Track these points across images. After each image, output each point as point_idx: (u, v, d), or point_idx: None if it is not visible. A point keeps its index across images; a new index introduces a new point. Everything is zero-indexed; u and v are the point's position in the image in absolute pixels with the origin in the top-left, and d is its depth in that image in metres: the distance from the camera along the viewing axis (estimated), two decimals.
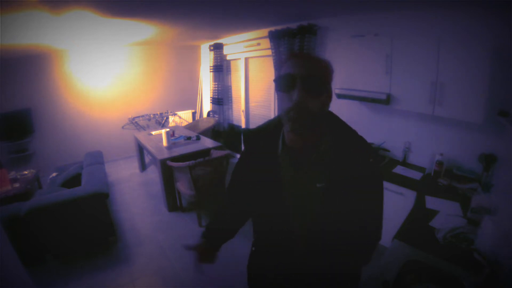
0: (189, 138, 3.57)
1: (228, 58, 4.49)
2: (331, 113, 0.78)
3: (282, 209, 0.76)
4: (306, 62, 0.69)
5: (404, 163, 2.36)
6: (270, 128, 0.81)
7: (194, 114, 5.62)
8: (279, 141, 0.77)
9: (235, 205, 0.95)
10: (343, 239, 0.73)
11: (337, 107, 2.79)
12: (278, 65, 0.81)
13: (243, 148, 0.88)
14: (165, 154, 3.04)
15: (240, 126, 4.54)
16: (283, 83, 0.69)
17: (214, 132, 4.59)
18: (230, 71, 4.57)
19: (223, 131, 4.71)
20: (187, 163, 2.57)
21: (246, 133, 0.85)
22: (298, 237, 0.76)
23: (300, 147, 0.74)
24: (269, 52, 3.29)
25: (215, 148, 3.20)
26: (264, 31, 3.33)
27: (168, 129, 3.49)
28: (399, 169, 2.23)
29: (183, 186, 2.81)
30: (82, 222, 2.28)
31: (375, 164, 0.78)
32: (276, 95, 0.77)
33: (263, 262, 0.89)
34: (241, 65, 4.20)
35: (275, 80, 0.72)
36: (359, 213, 0.73)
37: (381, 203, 0.80)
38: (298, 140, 0.73)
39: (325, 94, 0.71)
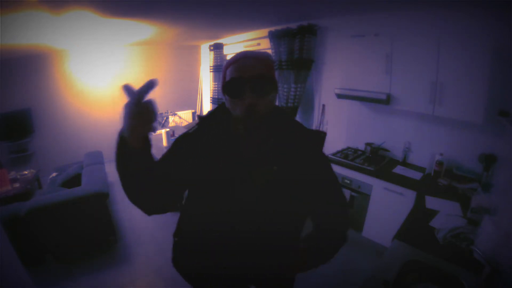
0: None
1: (228, 58, 4.49)
2: (276, 107, 0.80)
3: (229, 203, 0.74)
4: (250, 62, 0.69)
5: (404, 163, 2.36)
6: (219, 117, 0.80)
7: (194, 114, 5.61)
8: (229, 132, 0.77)
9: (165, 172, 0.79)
10: (287, 237, 0.75)
11: (337, 107, 2.81)
12: (223, 69, 0.74)
13: (190, 131, 0.83)
14: None
15: None
16: (232, 89, 0.68)
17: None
18: None
19: None
20: None
21: (201, 117, 0.83)
22: (243, 235, 0.75)
23: (250, 142, 0.75)
24: (269, 52, 3.29)
25: None
26: (264, 31, 3.33)
27: (168, 129, 3.49)
28: (399, 169, 2.24)
29: None
30: (82, 222, 2.28)
31: (319, 141, 0.80)
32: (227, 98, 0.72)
33: (203, 264, 0.81)
34: None
35: (223, 86, 0.71)
36: (310, 206, 0.75)
37: (338, 194, 0.81)
38: (249, 136, 0.75)
39: (273, 91, 0.71)
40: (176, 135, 3.68)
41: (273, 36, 3.11)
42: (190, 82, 5.45)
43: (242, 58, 0.70)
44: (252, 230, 0.74)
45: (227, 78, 0.70)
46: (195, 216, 0.84)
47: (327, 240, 0.78)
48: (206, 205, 0.77)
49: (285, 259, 0.75)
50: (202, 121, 0.82)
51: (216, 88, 4.66)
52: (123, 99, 0.62)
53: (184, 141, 0.82)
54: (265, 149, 0.74)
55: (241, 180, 0.73)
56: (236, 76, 0.68)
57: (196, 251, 0.82)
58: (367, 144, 2.55)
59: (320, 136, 0.79)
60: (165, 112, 4.98)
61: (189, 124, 4.86)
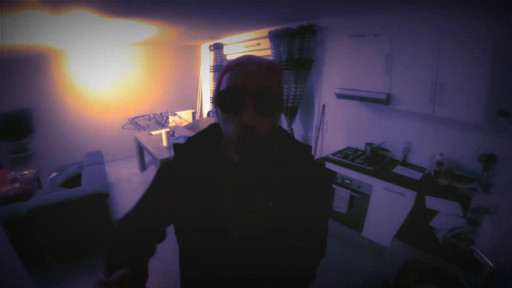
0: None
1: (228, 58, 4.49)
2: (280, 128, 0.66)
3: (222, 229, 0.61)
4: (256, 69, 0.54)
5: (404, 163, 2.36)
6: (206, 141, 0.66)
7: (194, 114, 5.62)
8: (220, 156, 0.62)
9: (148, 222, 0.71)
10: (285, 258, 0.61)
11: (337, 107, 2.81)
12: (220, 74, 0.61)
13: (170, 160, 0.70)
14: (165, 154, 3.04)
15: None
16: (228, 101, 0.53)
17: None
18: None
19: None
20: None
21: (177, 146, 0.68)
22: (237, 258, 0.62)
23: (245, 167, 0.59)
24: (269, 52, 3.29)
25: None
26: (264, 31, 3.33)
27: (168, 129, 3.49)
28: (399, 169, 2.24)
29: None
30: (82, 222, 2.28)
31: (326, 178, 0.67)
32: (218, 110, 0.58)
33: (195, 265, 0.72)
34: None
35: (215, 97, 0.56)
36: (304, 232, 0.62)
37: (326, 224, 0.70)
38: (244, 162, 0.58)
39: (279, 110, 0.57)
40: (176, 135, 3.68)
41: (273, 36, 3.11)
42: (190, 82, 5.45)
43: (246, 63, 0.55)
44: (249, 267, 0.62)
45: (223, 86, 0.55)
46: (187, 256, 0.73)
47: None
48: (196, 246, 0.66)
49: None
50: (178, 149, 0.67)
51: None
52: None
53: (163, 177, 0.69)
54: (261, 180, 0.59)
55: (230, 216, 0.60)
56: (235, 85, 0.52)
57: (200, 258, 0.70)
58: (367, 144, 2.55)
59: (328, 178, 0.67)
60: (165, 112, 4.99)
61: (189, 124, 4.87)
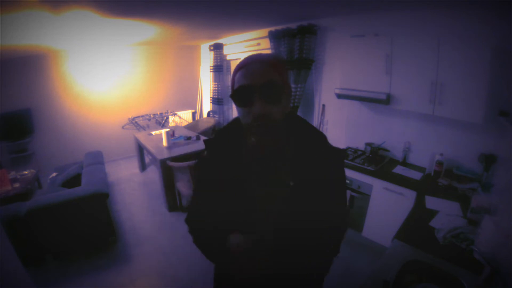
0: (189, 138, 3.57)
1: (228, 58, 4.49)
2: (292, 112, 0.76)
3: (248, 210, 0.72)
4: (259, 67, 0.64)
5: (404, 163, 2.36)
6: (230, 133, 0.78)
7: (194, 114, 5.62)
8: (242, 144, 0.74)
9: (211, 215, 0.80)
10: (309, 238, 0.72)
11: (337, 107, 2.81)
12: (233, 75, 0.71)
13: (205, 155, 0.81)
14: (165, 154, 3.04)
15: None
16: (240, 98, 0.65)
17: (214, 132, 4.59)
18: (230, 71, 4.57)
19: None
20: (187, 163, 2.57)
21: (207, 141, 0.80)
22: (264, 237, 0.72)
23: (265, 151, 0.71)
24: (269, 52, 3.29)
25: None
26: (264, 31, 3.33)
27: (168, 129, 3.49)
28: (399, 169, 2.24)
29: (183, 186, 2.81)
30: (82, 222, 2.28)
31: (339, 161, 0.77)
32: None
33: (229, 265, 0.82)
34: None
35: (232, 95, 0.67)
36: (325, 209, 0.72)
37: (345, 198, 0.83)
38: (263, 146, 0.71)
39: (286, 97, 0.68)
40: (176, 135, 3.68)
41: (273, 36, 3.11)
42: (190, 82, 5.45)
43: (250, 64, 0.65)
44: (278, 239, 0.71)
45: (235, 86, 0.66)
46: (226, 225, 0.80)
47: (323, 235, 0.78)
48: (228, 221, 0.75)
49: (312, 263, 0.75)
50: (209, 144, 0.79)
51: (216, 88, 4.66)
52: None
53: (205, 170, 0.80)
54: (281, 161, 0.71)
55: (256, 191, 0.71)
56: (244, 84, 0.63)
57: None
58: (367, 144, 2.55)
59: (341, 156, 0.77)
60: (165, 112, 4.99)
61: (189, 124, 4.87)
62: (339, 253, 0.85)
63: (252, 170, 0.72)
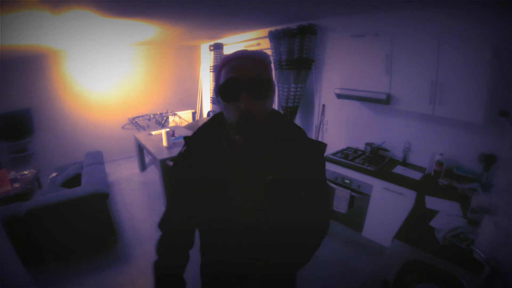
0: None
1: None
2: (274, 110, 0.77)
3: (229, 207, 0.72)
4: (247, 62, 0.63)
5: (404, 163, 2.36)
6: (210, 129, 0.77)
7: (194, 114, 5.62)
8: (223, 140, 0.74)
9: (183, 219, 0.82)
10: (290, 236, 0.73)
11: (337, 107, 2.81)
12: (216, 71, 0.71)
13: (182, 152, 0.79)
14: (165, 154, 3.04)
15: None
16: (227, 92, 0.63)
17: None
18: None
19: None
20: None
21: (186, 138, 0.79)
22: (246, 235, 0.73)
23: (246, 147, 0.71)
24: (269, 52, 3.29)
25: None
26: (264, 31, 3.33)
27: (168, 129, 3.49)
28: (399, 169, 2.24)
29: None
30: (82, 222, 2.28)
31: (318, 153, 0.77)
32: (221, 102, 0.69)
33: (213, 264, 0.85)
34: None
35: (216, 89, 0.67)
36: (306, 208, 0.73)
37: (326, 199, 0.84)
38: (246, 143, 0.71)
39: (271, 94, 0.67)
40: (176, 135, 3.68)
41: (273, 36, 3.11)
42: (190, 82, 5.45)
43: (239, 58, 0.65)
44: (255, 234, 0.73)
45: (222, 79, 0.65)
46: (207, 224, 0.82)
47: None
48: (213, 209, 0.75)
49: (288, 259, 0.76)
50: (188, 140, 0.78)
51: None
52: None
53: (180, 169, 0.79)
54: (261, 156, 0.71)
55: (236, 187, 0.71)
56: (232, 77, 0.62)
57: (218, 254, 0.81)
58: (367, 144, 2.55)
59: (320, 149, 0.76)
60: (165, 112, 4.99)
61: (189, 124, 4.87)
62: (319, 247, 0.84)
63: (232, 166, 0.72)
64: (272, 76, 0.69)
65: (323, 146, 0.77)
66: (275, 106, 3.74)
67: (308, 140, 0.75)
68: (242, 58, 0.65)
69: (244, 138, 0.69)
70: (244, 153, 0.71)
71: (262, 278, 0.77)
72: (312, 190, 0.75)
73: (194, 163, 0.74)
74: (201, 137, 0.77)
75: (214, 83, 0.72)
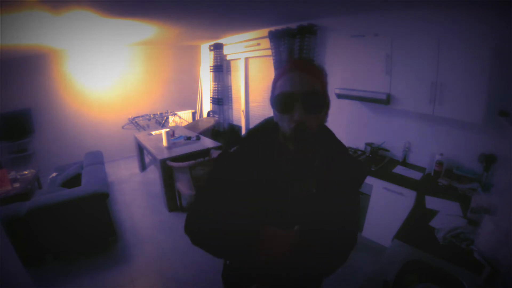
0: (189, 138, 3.57)
1: (228, 58, 4.49)
2: (324, 126, 0.78)
3: (273, 212, 0.72)
4: (304, 76, 0.64)
5: (404, 163, 2.36)
6: (263, 133, 0.78)
7: (194, 114, 5.62)
8: (275, 146, 0.75)
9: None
10: (325, 241, 0.73)
11: (337, 107, 2.81)
12: (277, 69, 0.77)
13: (230, 151, 0.78)
14: (165, 154, 3.04)
15: (240, 126, 4.55)
16: (282, 104, 0.65)
17: (214, 132, 4.59)
18: (230, 71, 4.57)
19: (223, 131, 4.71)
20: (187, 163, 2.57)
21: (239, 138, 0.80)
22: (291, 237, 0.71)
23: (299, 157, 0.73)
24: (269, 52, 3.29)
25: (215, 148, 3.20)
26: (264, 31, 3.33)
27: (168, 129, 3.49)
28: (399, 169, 2.23)
29: (183, 186, 2.81)
30: (82, 222, 2.28)
31: (360, 171, 0.82)
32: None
33: (240, 266, 0.85)
34: (241, 65, 4.20)
35: (272, 100, 0.69)
36: (342, 216, 0.75)
37: (358, 209, 0.86)
38: (299, 153, 0.73)
39: (325, 107, 0.69)
40: (176, 135, 3.68)
41: (273, 36, 3.11)
42: (190, 82, 5.45)
43: (293, 71, 0.66)
44: (301, 241, 0.70)
45: (277, 91, 0.67)
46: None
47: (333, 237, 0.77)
48: (258, 212, 0.74)
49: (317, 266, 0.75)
50: (241, 141, 0.78)
51: (216, 88, 4.66)
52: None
53: (225, 169, 0.77)
54: (310, 168, 0.73)
55: (280, 195, 0.73)
56: (287, 91, 0.64)
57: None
58: (367, 144, 2.55)
59: (363, 174, 0.82)
60: (165, 112, 4.99)
61: (189, 124, 4.87)
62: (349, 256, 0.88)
63: (282, 173, 0.73)
64: (327, 89, 0.71)
65: (365, 173, 0.82)
66: None
67: (354, 162, 0.80)
68: (299, 71, 0.65)
69: (298, 148, 0.70)
70: (297, 162, 0.73)
71: (290, 280, 0.76)
72: (347, 203, 0.77)
73: (245, 164, 0.74)
74: (254, 139, 0.78)
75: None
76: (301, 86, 0.63)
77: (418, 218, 1.52)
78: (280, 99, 0.65)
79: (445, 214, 1.53)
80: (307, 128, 0.64)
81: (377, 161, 2.34)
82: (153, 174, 4.11)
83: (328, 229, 0.73)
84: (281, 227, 0.70)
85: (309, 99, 0.63)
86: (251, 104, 4.26)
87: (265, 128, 0.79)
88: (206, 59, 5.04)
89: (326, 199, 0.72)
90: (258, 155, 0.74)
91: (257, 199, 0.73)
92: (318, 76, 0.67)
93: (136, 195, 3.53)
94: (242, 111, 4.39)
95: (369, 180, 2.19)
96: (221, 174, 0.78)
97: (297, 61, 0.69)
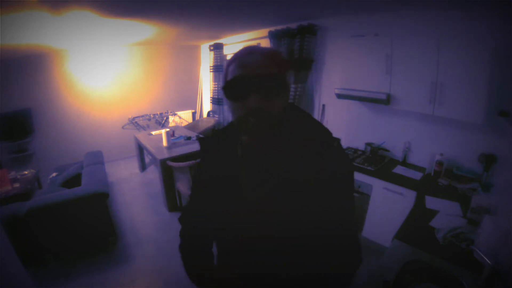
0: (189, 138, 3.57)
1: (228, 58, 4.49)
2: (292, 105, 0.69)
3: (245, 210, 0.67)
4: (257, 58, 0.58)
5: (404, 163, 2.36)
6: (227, 132, 0.74)
7: (194, 114, 5.62)
8: (238, 143, 0.71)
9: (203, 220, 0.81)
10: (314, 238, 0.63)
11: (337, 107, 2.81)
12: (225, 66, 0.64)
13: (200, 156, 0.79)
14: (165, 154, 3.04)
15: None
16: (234, 90, 0.58)
17: (214, 132, 4.58)
18: None
19: None
20: (187, 163, 2.57)
21: (202, 139, 0.78)
22: (263, 237, 0.66)
23: (260, 147, 0.66)
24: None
25: None
26: (264, 31, 3.33)
27: (168, 129, 3.49)
28: (399, 169, 2.23)
29: (183, 186, 2.81)
30: (82, 222, 2.28)
31: (343, 156, 0.67)
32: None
33: (228, 264, 0.80)
34: None
35: (224, 87, 0.60)
36: (329, 209, 0.63)
37: (348, 207, 0.69)
38: (258, 143, 0.66)
39: (285, 91, 0.61)
40: (176, 135, 3.68)
41: (273, 36, 3.11)
42: (190, 82, 5.45)
43: (247, 54, 0.59)
44: (274, 234, 0.65)
45: (229, 77, 0.59)
46: (222, 255, 0.84)
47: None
48: (230, 212, 0.72)
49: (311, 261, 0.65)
50: (203, 142, 0.78)
51: (216, 88, 4.66)
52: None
53: (198, 169, 0.81)
54: (273, 155, 0.64)
55: (248, 187, 0.67)
56: (240, 74, 0.57)
57: (233, 256, 0.77)
58: (367, 144, 2.55)
59: (350, 169, 0.68)
60: (165, 112, 4.99)
61: (189, 124, 4.87)
62: (362, 260, 0.71)
63: (248, 169, 0.67)
64: (286, 72, 0.62)
65: (352, 167, 0.71)
66: None
67: (337, 155, 0.65)
68: (252, 53, 0.59)
69: (252, 138, 0.64)
70: (255, 151, 0.66)
71: (275, 280, 0.69)
72: (331, 191, 0.63)
73: (209, 164, 0.75)
74: (216, 139, 0.77)
75: (215, 84, 0.68)
76: (255, 69, 0.56)
77: (418, 218, 1.52)
78: (232, 85, 0.58)
79: (445, 214, 1.52)
80: (263, 114, 0.56)
81: (377, 161, 2.34)
82: (153, 174, 4.11)
83: (310, 225, 0.62)
84: (244, 229, 0.67)
85: (264, 83, 0.56)
86: None
87: (230, 127, 0.74)
88: (206, 59, 5.04)
89: (300, 185, 0.61)
90: (219, 154, 0.72)
91: (223, 199, 0.71)
92: (274, 57, 0.59)
93: (136, 195, 3.53)
94: None
95: (369, 180, 2.19)
96: (195, 175, 0.82)
97: (250, 45, 0.62)
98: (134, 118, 4.60)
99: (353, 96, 2.35)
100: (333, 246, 0.65)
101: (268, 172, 0.65)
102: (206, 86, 5.39)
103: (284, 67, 0.61)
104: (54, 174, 3.29)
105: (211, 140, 0.78)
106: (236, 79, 0.57)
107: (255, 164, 0.67)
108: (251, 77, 0.56)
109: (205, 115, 5.39)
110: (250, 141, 0.66)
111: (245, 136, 0.67)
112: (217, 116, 4.76)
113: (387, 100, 2.10)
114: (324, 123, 3.03)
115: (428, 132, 2.21)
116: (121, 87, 4.64)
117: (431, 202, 1.69)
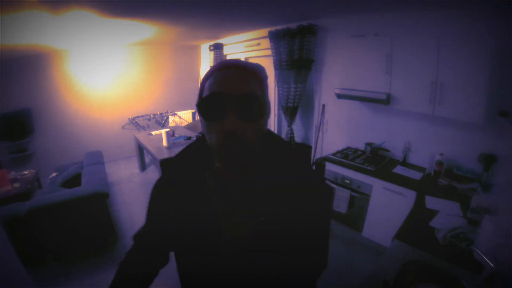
0: (189, 138, 3.57)
1: (228, 58, 4.50)
2: (268, 131, 0.63)
3: (216, 245, 0.60)
4: (239, 73, 0.51)
5: (404, 163, 2.36)
6: (194, 153, 0.65)
7: (194, 114, 5.62)
8: (206, 170, 0.61)
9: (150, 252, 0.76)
10: (285, 240, 0.58)
11: (337, 107, 2.81)
12: (206, 75, 0.56)
13: (159, 179, 0.70)
14: (165, 154, 3.04)
15: None
16: (210, 109, 0.51)
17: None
18: None
19: None
20: None
21: (163, 162, 0.71)
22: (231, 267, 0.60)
23: (233, 178, 0.58)
24: (269, 52, 3.29)
25: None
26: (264, 31, 3.33)
27: (168, 129, 3.49)
28: (399, 169, 2.23)
29: None
30: (82, 222, 2.28)
31: (322, 195, 0.63)
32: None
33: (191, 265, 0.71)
34: None
35: (197, 105, 0.53)
36: (299, 254, 0.58)
37: (327, 233, 0.67)
38: (230, 173, 0.58)
39: (265, 115, 0.54)
40: (176, 135, 3.68)
41: (273, 36, 3.11)
42: (190, 82, 5.45)
43: (227, 67, 0.52)
44: (243, 266, 0.59)
45: (205, 93, 0.52)
46: (184, 275, 0.75)
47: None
48: (188, 263, 0.65)
49: None
50: (165, 165, 0.72)
51: None
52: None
53: (156, 198, 0.69)
54: (251, 191, 0.57)
55: (217, 235, 0.58)
56: (217, 91, 0.50)
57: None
58: (367, 144, 2.55)
59: (326, 190, 0.64)
60: (165, 112, 4.99)
61: (189, 124, 4.87)
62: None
63: (217, 200, 0.59)
64: (267, 93, 0.57)
65: (330, 190, 0.65)
66: (275, 106, 3.74)
67: (312, 178, 0.62)
68: (232, 67, 0.52)
69: (226, 166, 0.56)
70: (231, 184, 0.58)
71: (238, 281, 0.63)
72: (308, 238, 0.60)
73: (172, 194, 0.64)
74: (181, 162, 0.66)
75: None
76: (235, 86, 0.50)
77: (418, 218, 1.52)
78: (209, 102, 0.51)
79: (445, 214, 1.52)
80: (240, 140, 0.50)
81: (377, 161, 2.34)
82: (153, 174, 4.11)
83: (278, 270, 0.57)
84: (224, 266, 0.59)
85: (245, 103, 0.49)
86: None
87: (196, 147, 0.65)
88: (206, 59, 5.04)
89: (278, 229, 0.56)
90: (186, 182, 0.61)
91: (189, 234, 0.61)
92: (257, 75, 0.54)
93: (136, 195, 3.53)
94: None
95: (369, 180, 2.19)
96: (152, 204, 0.70)
97: (231, 59, 0.56)
98: (134, 118, 4.60)
99: (353, 96, 2.35)
100: (303, 247, 0.60)
101: (240, 206, 0.58)
102: None
103: (266, 88, 0.57)
104: (54, 174, 3.29)
105: (176, 163, 0.68)
106: (212, 97, 0.50)
107: (226, 196, 0.59)
108: (229, 95, 0.49)
109: None
110: (223, 173, 0.58)
111: (217, 163, 0.58)
112: None
113: (387, 100, 2.10)
114: (324, 123, 3.05)
115: (428, 132, 2.21)
116: (121, 87, 4.64)
117: (431, 202, 1.69)
